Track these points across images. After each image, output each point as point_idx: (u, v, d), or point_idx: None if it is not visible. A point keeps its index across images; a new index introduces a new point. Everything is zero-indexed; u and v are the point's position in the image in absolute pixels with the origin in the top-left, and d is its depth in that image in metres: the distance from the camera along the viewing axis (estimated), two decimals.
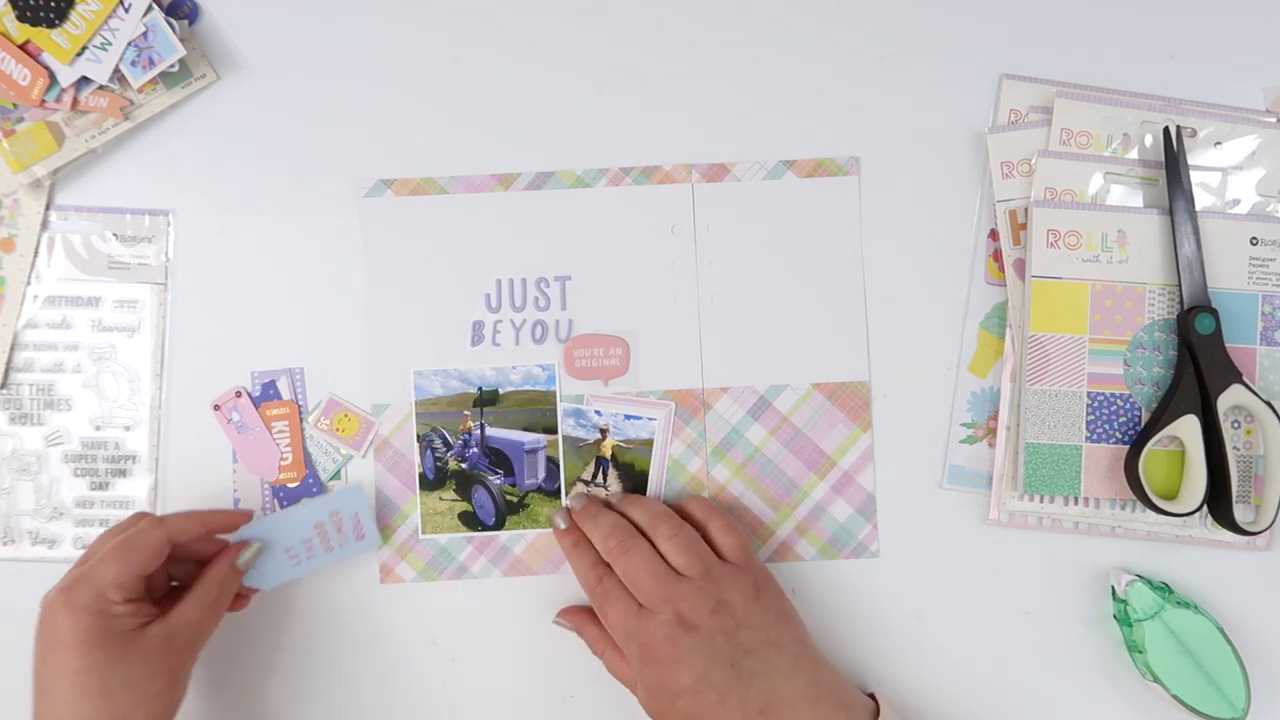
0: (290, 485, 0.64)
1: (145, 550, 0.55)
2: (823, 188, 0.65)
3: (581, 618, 0.62)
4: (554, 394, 0.65)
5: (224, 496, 0.64)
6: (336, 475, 0.64)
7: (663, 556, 0.58)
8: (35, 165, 0.63)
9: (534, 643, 0.64)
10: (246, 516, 0.61)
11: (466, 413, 0.65)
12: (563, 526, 0.62)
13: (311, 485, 0.64)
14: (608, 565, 0.59)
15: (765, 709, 0.54)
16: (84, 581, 0.54)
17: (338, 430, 0.64)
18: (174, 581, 0.60)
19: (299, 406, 0.64)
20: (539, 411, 0.65)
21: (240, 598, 0.61)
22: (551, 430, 0.64)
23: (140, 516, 0.58)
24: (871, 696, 0.58)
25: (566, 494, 0.64)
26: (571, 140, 0.65)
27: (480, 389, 0.65)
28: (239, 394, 0.64)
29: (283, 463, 0.64)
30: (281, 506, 0.64)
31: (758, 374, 0.65)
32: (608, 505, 0.62)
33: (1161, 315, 0.63)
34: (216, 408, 0.64)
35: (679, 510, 0.61)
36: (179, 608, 0.56)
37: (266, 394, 0.64)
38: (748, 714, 0.54)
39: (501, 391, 0.65)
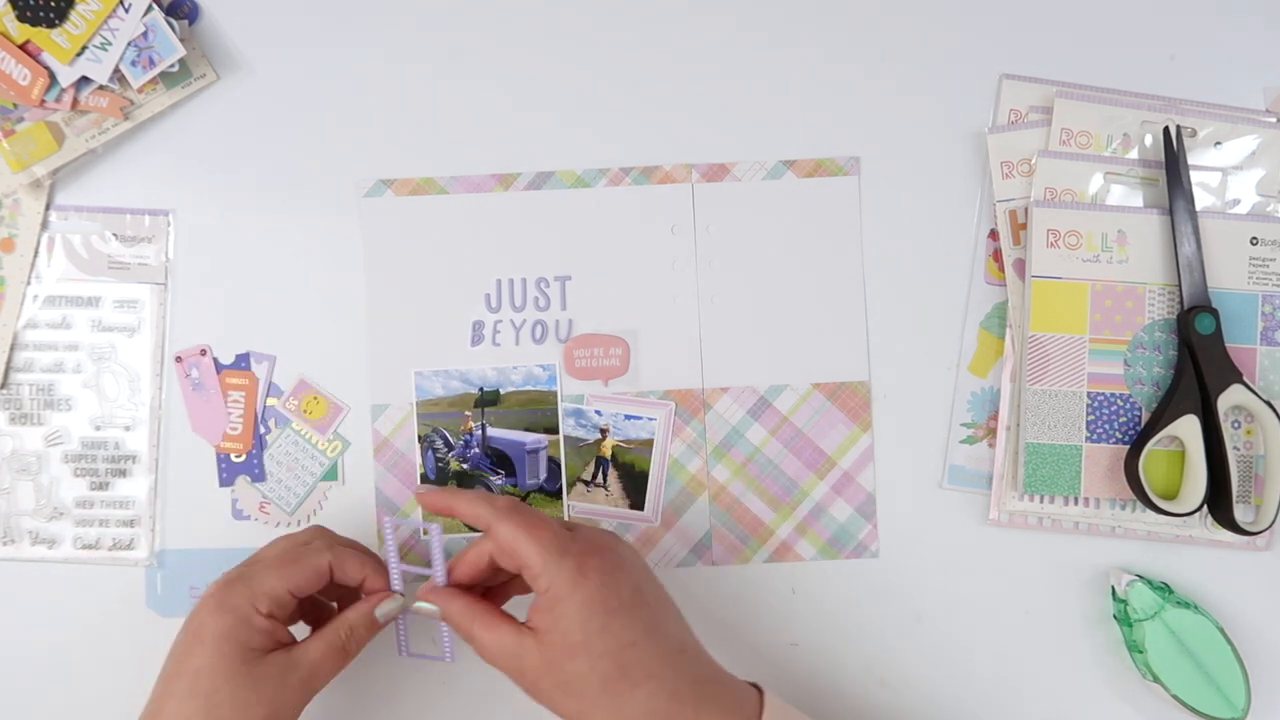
0: (234, 457, 0.64)
1: (308, 570, 0.54)
2: (823, 188, 0.65)
3: (442, 595, 0.54)
4: (555, 394, 0.65)
5: (224, 497, 0.64)
6: (332, 475, 0.64)
7: None
8: (35, 165, 0.63)
9: None
10: (389, 592, 0.56)
11: (468, 413, 0.65)
12: (422, 492, 0.56)
13: (254, 463, 0.64)
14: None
15: (683, 648, 0.52)
16: (242, 583, 0.53)
17: (305, 412, 0.64)
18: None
19: (258, 380, 0.64)
20: (540, 412, 0.65)
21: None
22: (552, 430, 0.64)
23: (316, 532, 0.57)
24: (755, 687, 0.54)
25: (568, 494, 0.64)
26: (571, 140, 0.65)
27: (481, 389, 0.65)
28: (203, 352, 0.64)
29: (230, 431, 0.64)
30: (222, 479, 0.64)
31: (758, 374, 0.65)
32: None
33: (1161, 315, 0.63)
34: (179, 359, 0.64)
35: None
36: (305, 643, 0.54)
37: (238, 364, 0.64)
38: (672, 649, 0.51)
39: (502, 392, 0.65)
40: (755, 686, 0.53)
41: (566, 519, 0.56)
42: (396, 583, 0.56)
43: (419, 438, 0.64)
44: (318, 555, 0.54)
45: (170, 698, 0.52)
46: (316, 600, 0.58)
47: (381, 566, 0.56)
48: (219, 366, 0.64)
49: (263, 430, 0.64)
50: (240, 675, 0.52)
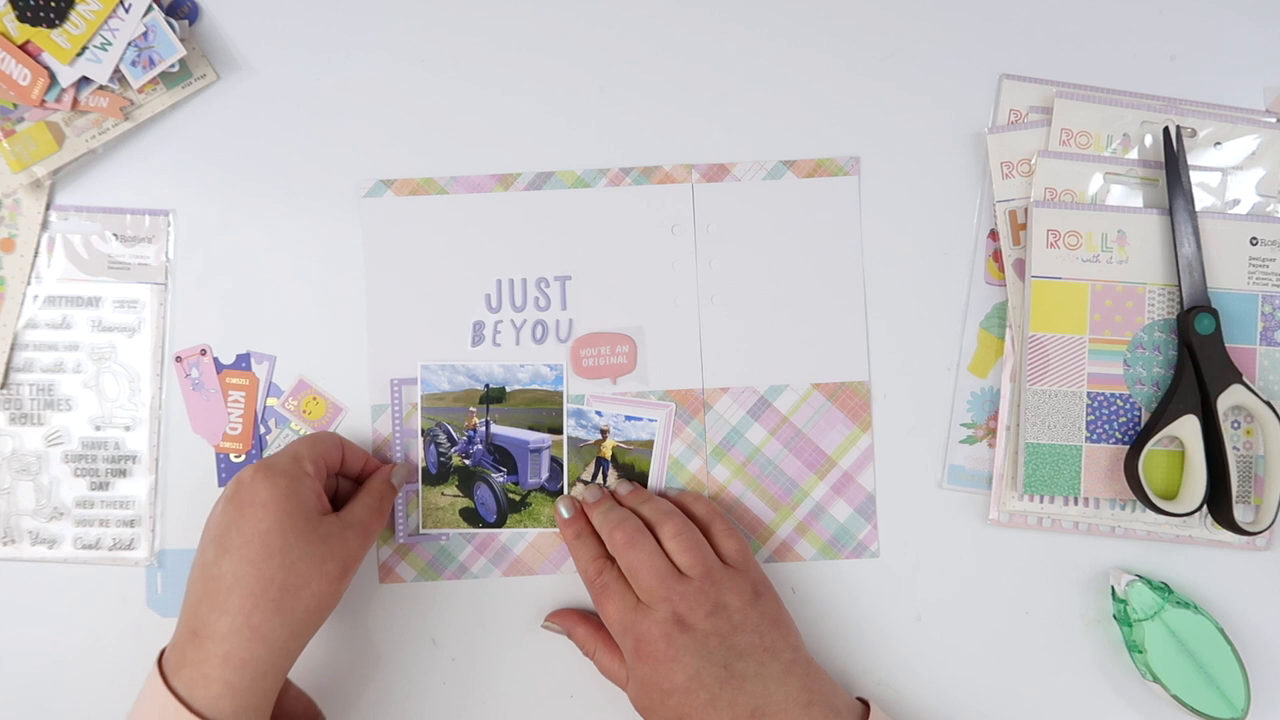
0: (234, 457, 0.64)
1: (328, 442, 0.59)
2: (823, 188, 0.65)
3: (570, 619, 0.62)
4: (560, 394, 0.65)
5: None
6: None
7: (666, 554, 0.58)
8: (35, 165, 0.63)
9: (534, 643, 0.64)
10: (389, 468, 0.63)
11: (472, 409, 0.65)
12: (566, 515, 0.62)
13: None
14: (609, 559, 0.59)
15: (756, 713, 0.54)
16: (281, 455, 0.57)
17: (305, 412, 0.64)
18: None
19: (258, 380, 0.64)
20: (544, 411, 0.65)
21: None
22: (556, 430, 0.64)
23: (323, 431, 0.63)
24: (863, 702, 0.58)
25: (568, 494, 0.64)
26: (571, 140, 0.65)
27: (487, 386, 0.65)
28: (203, 352, 0.64)
29: (230, 431, 0.64)
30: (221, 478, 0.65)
31: (758, 374, 0.65)
32: (614, 498, 0.63)
33: (1161, 315, 0.63)
34: (178, 359, 0.64)
35: (681, 507, 0.61)
36: (349, 508, 0.58)
37: (238, 364, 0.64)
38: (738, 716, 0.54)
39: (508, 390, 0.65)
40: (864, 703, 0.58)
41: (691, 572, 0.57)
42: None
43: (422, 431, 0.64)
44: (332, 435, 0.60)
45: (246, 564, 0.53)
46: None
47: (374, 458, 0.63)
48: (219, 366, 0.64)
49: (262, 430, 0.64)
50: (308, 532, 0.55)
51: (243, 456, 0.64)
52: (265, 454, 0.64)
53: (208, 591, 0.53)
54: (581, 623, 0.62)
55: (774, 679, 0.55)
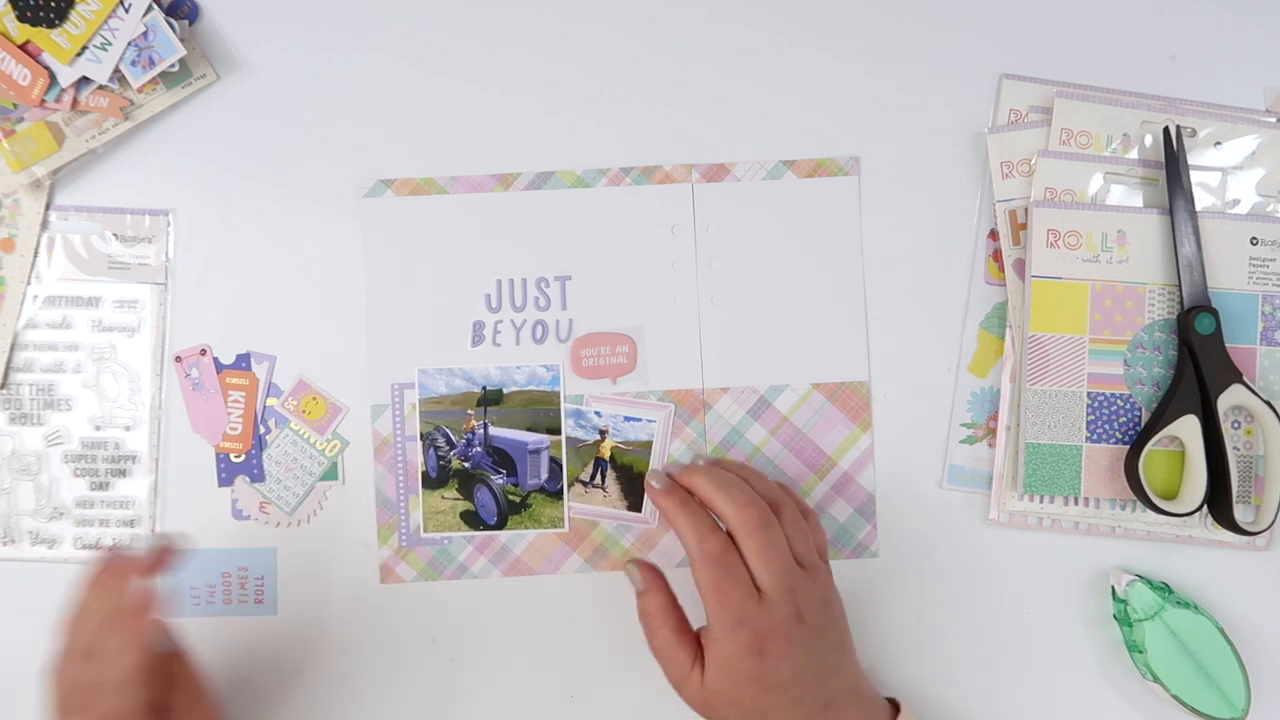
0: (234, 457, 0.64)
1: (148, 624, 0.53)
2: (823, 188, 0.65)
3: (654, 579, 0.58)
4: (558, 394, 0.65)
5: (223, 497, 0.64)
6: (332, 475, 0.64)
7: None
8: (35, 165, 0.63)
9: (534, 643, 0.64)
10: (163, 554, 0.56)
11: (470, 412, 0.65)
12: (659, 487, 0.57)
13: (253, 463, 0.64)
14: (729, 535, 0.55)
15: (828, 705, 0.54)
16: (121, 689, 0.52)
17: (305, 412, 0.64)
18: None
19: (258, 380, 0.64)
20: (543, 412, 0.65)
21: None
22: (555, 431, 0.64)
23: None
24: (892, 702, 0.58)
25: (568, 494, 0.64)
26: (571, 140, 0.65)
27: (485, 388, 0.65)
28: (203, 352, 0.64)
29: (230, 431, 0.64)
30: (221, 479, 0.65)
31: (758, 374, 0.65)
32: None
33: (1161, 315, 0.63)
34: (178, 359, 0.64)
35: (768, 490, 0.58)
36: None
37: (238, 364, 0.64)
38: (812, 711, 0.54)
39: (506, 391, 0.65)
40: (891, 701, 0.58)
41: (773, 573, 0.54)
42: None
43: (421, 435, 0.64)
44: (137, 600, 0.53)
45: None
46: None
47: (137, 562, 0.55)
48: (219, 366, 0.64)
49: (262, 430, 0.64)
50: None
51: (242, 456, 0.64)
52: (264, 454, 0.64)
53: None
54: (660, 591, 0.57)
55: (845, 670, 0.56)
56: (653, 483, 0.57)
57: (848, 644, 0.57)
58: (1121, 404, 0.63)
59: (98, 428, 0.64)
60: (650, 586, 0.57)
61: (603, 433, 0.64)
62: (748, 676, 0.53)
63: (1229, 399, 0.60)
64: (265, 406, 0.65)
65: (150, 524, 0.64)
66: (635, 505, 0.64)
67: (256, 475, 0.64)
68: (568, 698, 0.64)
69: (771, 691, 0.53)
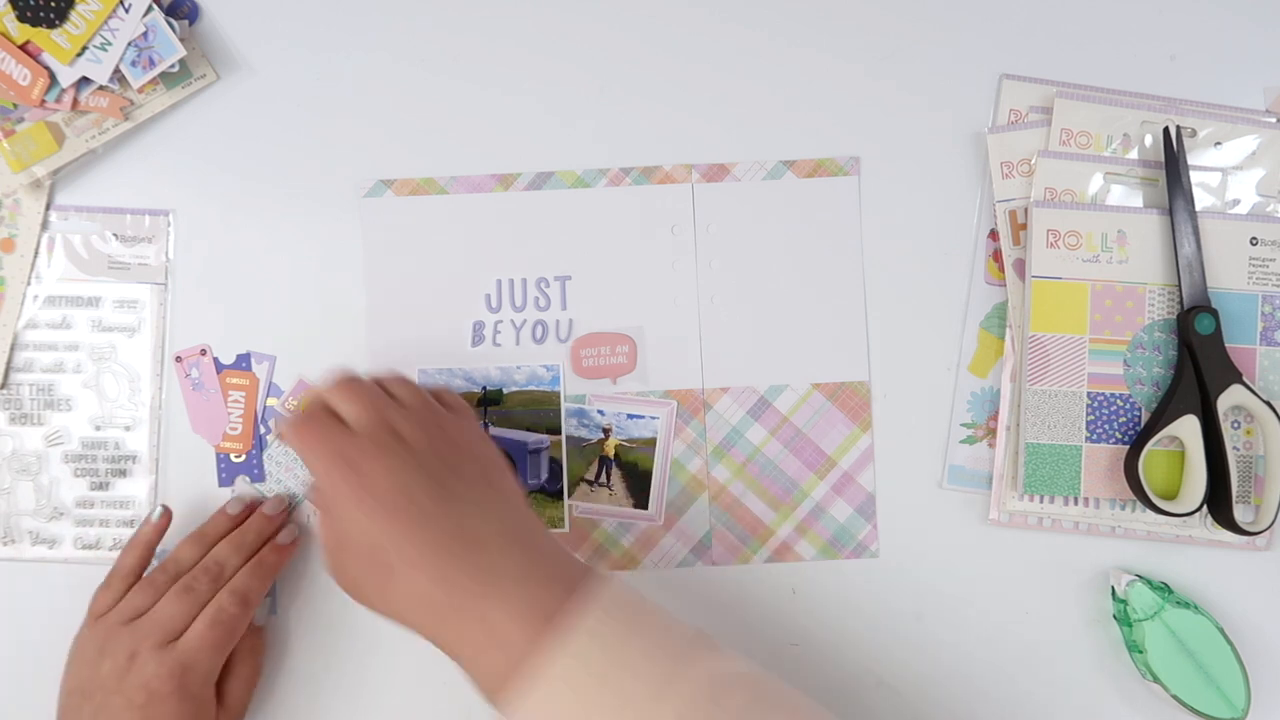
0: (234, 457, 0.64)
1: (235, 633, 0.58)
2: (823, 188, 0.65)
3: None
4: (558, 394, 0.65)
5: (224, 498, 0.64)
6: None
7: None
8: (35, 165, 0.63)
9: None
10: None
11: None
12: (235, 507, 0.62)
13: (253, 463, 0.64)
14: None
15: (472, 542, 0.49)
16: (197, 672, 0.57)
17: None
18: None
19: (259, 380, 0.64)
20: (543, 412, 0.65)
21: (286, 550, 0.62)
22: (555, 431, 0.64)
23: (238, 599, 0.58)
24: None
25: (572, 494, 0.64)
26: (571, 140, 0.65)
27: (485, 388, 0.65)
28: (203, 352, 0.64)
29: (230, 431, 0.64)
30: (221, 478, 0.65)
31: (758, 374, 0.65)
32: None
33: (1161, 315, 0.63)
34: (178, 359, 0.64)
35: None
36: (229, 692, 0.60)
37: (239, 364, 0.65)
38: (450, 541, 0.49)
39: (505, 391, 0.65)
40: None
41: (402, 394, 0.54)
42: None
43: None
44: (244, 613, 0.59)
45: None
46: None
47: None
48: (219, 366, 0.64)
49: (262, 430, 0.64)
50: None
51: (243, 456, 0.64)
52: (265, 454, 0.64)
53: None
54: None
55: (495, 513, 0.51)
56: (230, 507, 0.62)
57: (504, 491, 0.53)
58: (1121, 404, 0.63)
59: (98, 428, 0.64)
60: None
61: (606, 431, 0.64)
62: (349, 499, 0.49)
63: (1229, 399, 0.60)
64: (265, 406, 0.65)
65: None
66: (640, 503, 0.64)
67: (257, 475, 0.64)
68: None
69: (375, 513, 0.49)
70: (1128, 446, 0.62)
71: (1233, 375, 0.60)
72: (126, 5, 0.61)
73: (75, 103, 0.63)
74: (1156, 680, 0.60)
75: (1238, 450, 0.62)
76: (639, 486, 0.64)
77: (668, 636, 0.48)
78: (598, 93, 0.66)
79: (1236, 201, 0.64)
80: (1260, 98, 0.65)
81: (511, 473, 0.55)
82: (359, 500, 0.49)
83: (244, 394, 0.64)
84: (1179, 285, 0.62)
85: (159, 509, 0.62)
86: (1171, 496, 0.62)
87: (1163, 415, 0.61)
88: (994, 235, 0.65)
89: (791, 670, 0.64)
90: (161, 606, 0.57)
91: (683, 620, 0.50)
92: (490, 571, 0.48)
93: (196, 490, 0.64)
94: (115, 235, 0.65)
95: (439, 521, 0.49)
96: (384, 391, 0.54)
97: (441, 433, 0.53)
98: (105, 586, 0.60)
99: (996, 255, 0.65)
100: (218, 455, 0.64)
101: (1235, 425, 0.62)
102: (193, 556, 0.60)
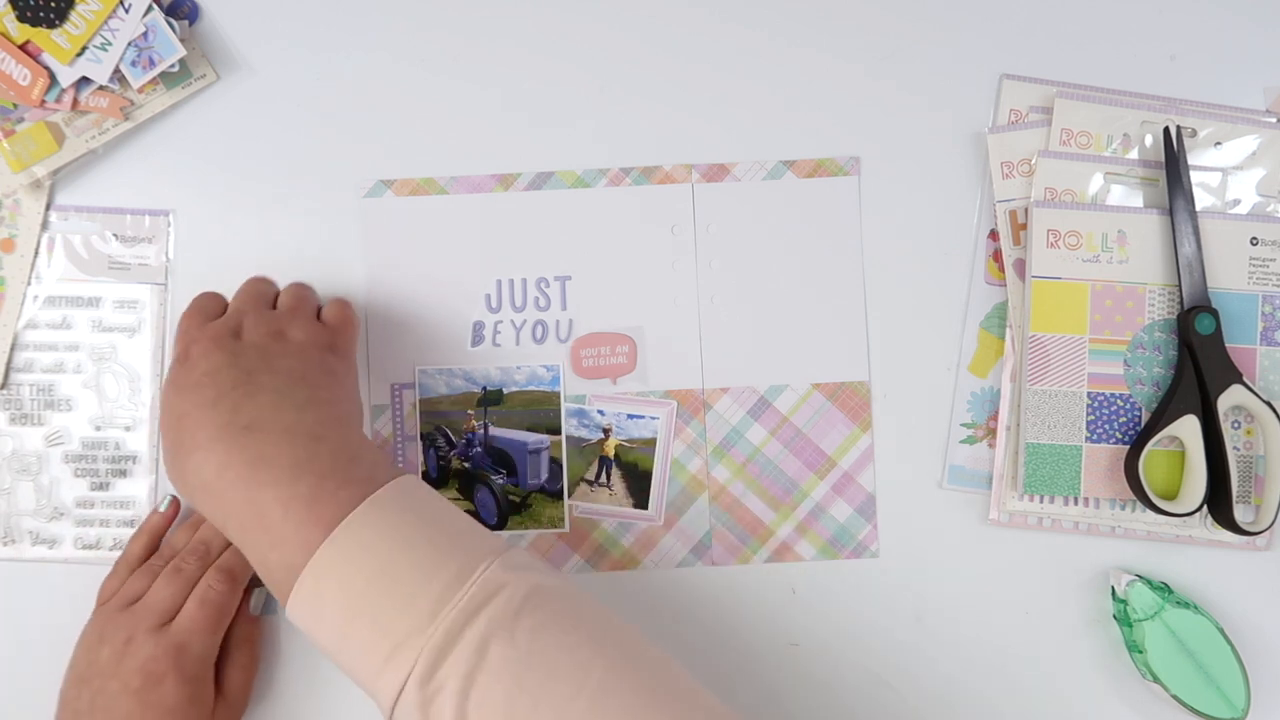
0: None
1: (230, 605, 0.59)
2: (823, 188, 0.65)
3: None
4: (558, 394, 0.65)
5: None
6: None
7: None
8: (35, 165, 0.63)
9: None
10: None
11: (470, 412, 0.65)
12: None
13: None
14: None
15: (253, 426, 0.50)
16: (191, 652, 0.56)
17: None
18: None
19: None
20: (543, 412, 0.65)
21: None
22: (555, 431, 0.64)
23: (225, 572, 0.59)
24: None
25: (569, 494, 0.64)
26: (571, 140, 0.65)
27: (485, 388, 0.65)
28: None
29: None
30: None
31: (758, 374, 0.65)
32: None
33: (1161, 315, 0.63)
34: None
35: None
36: (228, 679, 0.59)
37: None
38: (233, 425, 0.49)
39: (506, 391, 0.65)
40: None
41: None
42: None
43: (421, 435, 0.64)
44: (232, 584, 0.59)
45: None
46: None
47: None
48: None
49: None
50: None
51: None
52: None
53: None
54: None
55: (292, 405, 0.51)
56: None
57: (316, 389, 0.53)
58: (1121, 404, 0.63)
59: (98, 428, 0.64)
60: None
61: (606, 431, 0.64)
62: (171, 378, 0.53)
63: (1229, 399, 0.60)
64: None
65: None
66: (641, 503, 0.64)
67: None
68: None
69: (184, 392, 0.51)
70: (1128, 446, 0.62)
71: (1233, 375, 0.60)
72: (126, 5, 0.61)
73: (75, 103, 0.63)
74: (1156, 680, 0.60)
75: (1238, 450, 0.62)
76: (639, 486, 0.65)
77: (455, 539, 0.47)
78: (598, 93, 0.66)
79: (1237, 201, 0.64)
80: (1260, 98, 0.65)
81: (349, 381, 0.57)
82: (176, 379, 0.53)
83: None
84: (1179, 285, 0.62)
85: (167, 498, 0.62)
86: (1171, 496, 0.62)
87: (1163, 415, 0.61)
88: (994, 235, 0.65)
89: (791, 670, 0.64)
90: (154, 590, 0.58)
91: (484, 529, 0.50)
92: (263, 460, 0.48)
93: None
94: (115, 235, 0.65)
95: (228, 406, 0.50)
96: (269, 296, 0.60)
97: (280, 335, 0.55)
98: (112, 574, 0.61)
99: (996, 255, 0.65)
100: None
101: (1235, 425, 0.62)
102: (185, 540, 0.61)
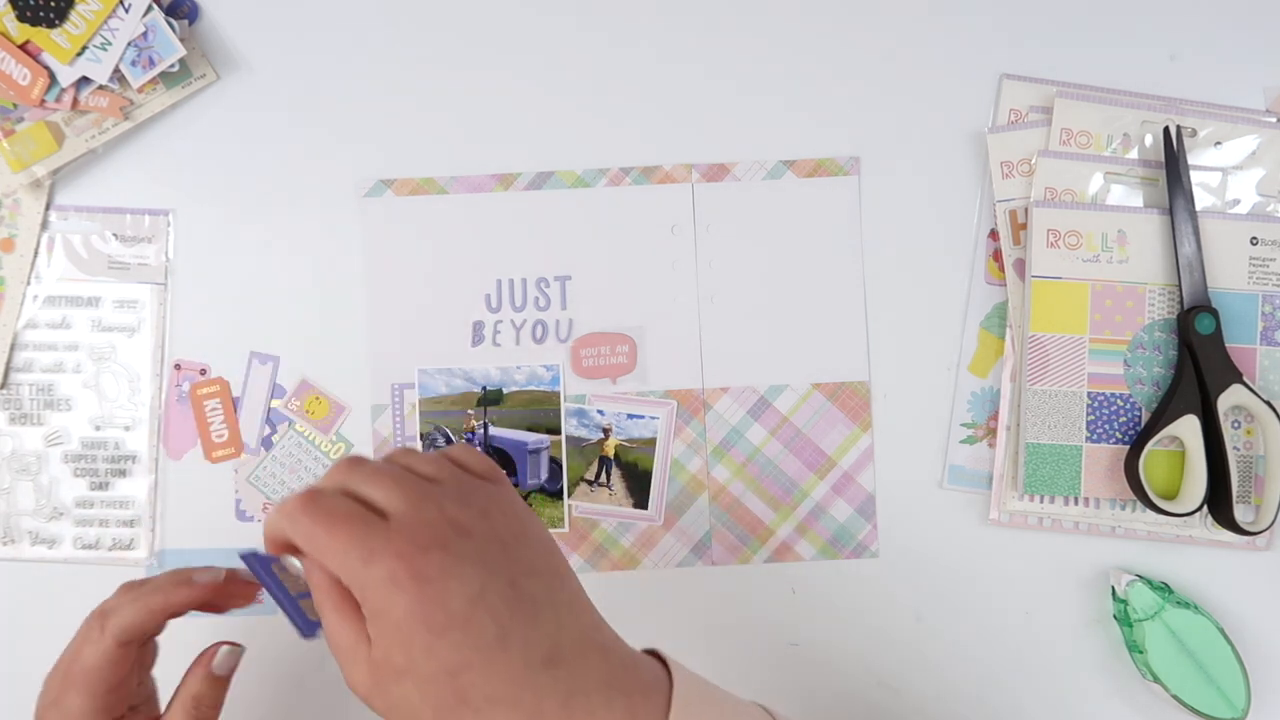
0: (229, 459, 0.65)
1: (96, 669, 0.48)
2: (823, 188, 0.65)
3: (309, 562, 0.42)
4: (558, 394, 0.65)
5: (226, 495, 0.64)
6: None
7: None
8: (35, 165, 0.63)
9: None
10: (204, 588, 0.50)
11: (470, 412, 0.65)
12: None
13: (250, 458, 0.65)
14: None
15: (553, 657, 0.40)
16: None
17: (308, 412, 0.64)
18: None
19: (227, 383, 0.64)
20: (542, 412, 0.65)
21: (246, 596, 0.51)
22: (554, 431, 0.64)
23: (91, 620, 0.50)
24: (656, 656, 0.44)
25: (569, 494, 0.64)
26: (571, 140, 0.65)
27: (484, 388, 0.65)
28: (203, 371, 0.64)
29: (217, 439, 0.64)
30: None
31: (758, 374, 0.65)
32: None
33: (1161, 315, 0.63)
34: (177, 367, 0.64)
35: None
36: None
37: (205, 372, 0.65)
38: (531, 664, 0.39)
39: (505, 391, 0.65)
40: (663, 663, 0.43)
41: (430, 469, 0.43)
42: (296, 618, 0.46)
43: (421, 435, 0.64)
44: (94, 650, 0.49)
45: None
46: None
47: (170, 594, 0.49)
48: (189, 379, 0.64)
49: (267, 431, 0.64)
50: None
51: (241, 455, 0.64)
52: (269, 455, 0.64)
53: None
54: (316, 569, 0.41)
55: (566, 608, 0.41)
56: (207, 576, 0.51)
57: (563, 575, 0.42)
58: (1121, 404, 0.63)
59: (98, 428, 0.64)
60: (310, 563, 0.42)
61: (606, 431, 0.64)
62: (409, 618, 0.38)
63: (1229, 399, 0.60)
64: (269, 408, 0.64)
65: (150, 524, 0.64)
66: (640, 503, 0.64)
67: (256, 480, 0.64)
68: None
69: (450, 633, 0.38)
70: (1128, 446, 0.62)
71: (1233, 375, 0.60)
72: (126, 5, 0.61)
73: (75, 102, 0.63)
74: (1156, 680, 0.60)
75: (1238, 450, 0.62)
76: (639, 486, 0.65)
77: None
78: (598, 93, 0.66)
79: (1237, 201, 0.64)
80: (1260, 98, 0.65)
81: (560, 552, 0.44)
82: (427, 617, 0.38)
83: (219, 400, 0.64)
84: (1179, 285, 0.62)
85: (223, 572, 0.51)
86: (1172, 496, 0.62)
87: (1163, 415, 0.61)
88: (994, 235, 0.65)
89: (791, 670, 0.64)
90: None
91: (742, 699, 0.46)
92: (575, 694, 0.40)
93: (196, 490, 0.64)
94: (115, 235, 0.65)
95: (520, 639, 0.39)
96: (405, 467, 0.43)
97: (497, 513, 0.42)
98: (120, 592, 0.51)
99: (996, 255, 0.65)
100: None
101: (1235, 425, 0.62)
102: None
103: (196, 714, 0.50)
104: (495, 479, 0.44)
